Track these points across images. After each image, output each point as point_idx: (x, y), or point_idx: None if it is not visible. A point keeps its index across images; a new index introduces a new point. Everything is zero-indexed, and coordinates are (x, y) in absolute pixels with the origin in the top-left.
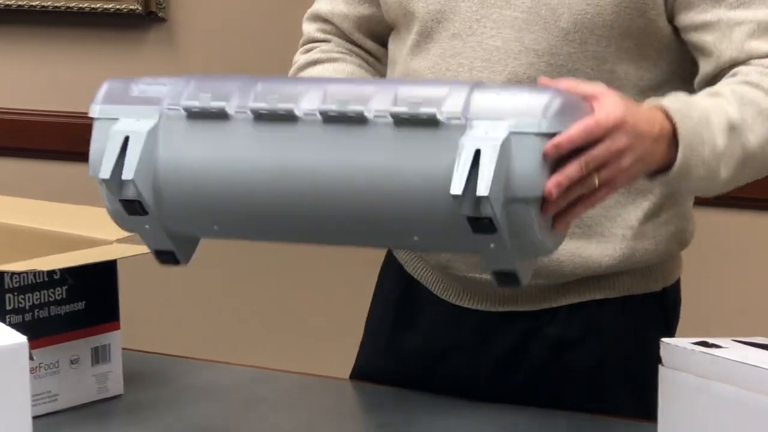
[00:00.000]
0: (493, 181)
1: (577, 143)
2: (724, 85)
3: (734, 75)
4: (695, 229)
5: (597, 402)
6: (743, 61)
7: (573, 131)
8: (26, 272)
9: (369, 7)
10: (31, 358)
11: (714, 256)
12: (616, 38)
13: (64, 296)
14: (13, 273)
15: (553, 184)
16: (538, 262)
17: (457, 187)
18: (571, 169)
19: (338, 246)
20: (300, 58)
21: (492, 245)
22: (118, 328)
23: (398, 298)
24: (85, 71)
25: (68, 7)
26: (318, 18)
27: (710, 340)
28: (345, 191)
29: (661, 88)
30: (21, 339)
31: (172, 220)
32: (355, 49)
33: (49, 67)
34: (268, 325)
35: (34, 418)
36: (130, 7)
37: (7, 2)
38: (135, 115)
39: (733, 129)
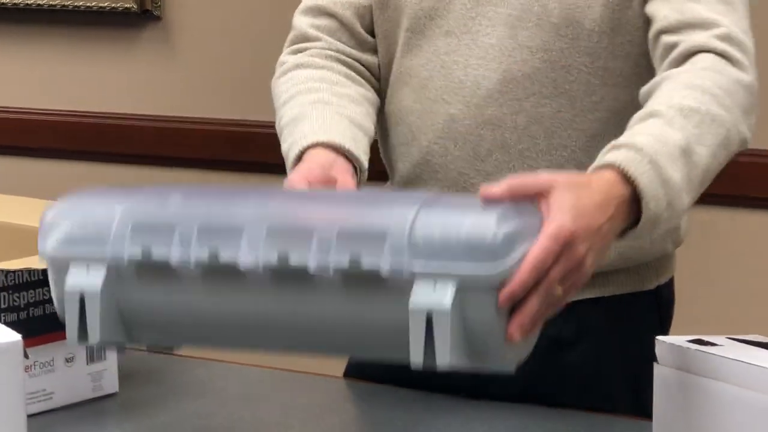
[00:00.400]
0: (451, 347)
1: (530, 285)
2: (656, 102)
3: (665, 79)
4: (689, 228)
5: (592, 400)
6: (676, 24)
7: (523, 274)
8: (21, 270)
9: None
10: (25, 356)
11: (708, 255)
12: (608, 33)
13: None
14: (8, 271)
15: (515, 327)
16: None
17: (417, 359)
18: (531, 305)
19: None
20: (288, 59)
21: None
22: None
23: None
24: (81, 69)
25: (63, 5)
26: (315, 10)
27: (705, 338)
28: (296, 339)
29: None
30: (16, 337)
31: (150, 346)
32: (346, 50)
33: (44, 65)
34: None
35: (29, 416)
36: (126, 5)
37: (2, 0)
38: (83, 262)
39: (684, 153)
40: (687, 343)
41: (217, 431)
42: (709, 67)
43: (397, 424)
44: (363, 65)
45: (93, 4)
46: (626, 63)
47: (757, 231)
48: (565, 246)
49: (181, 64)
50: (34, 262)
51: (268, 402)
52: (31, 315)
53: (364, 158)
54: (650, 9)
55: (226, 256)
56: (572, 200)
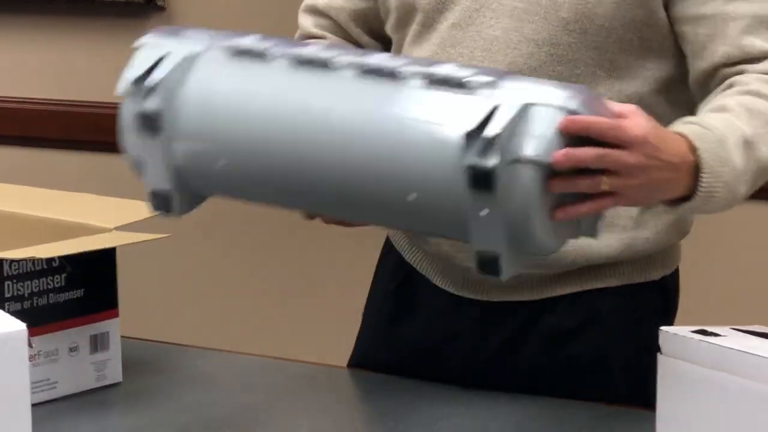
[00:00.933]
0: (503, 127)
1: (595, 131)
2: (727, 98)
3: (732, 85)
4: (694, 219)
5: (596, 390)
6: (737, 59)
7: (595, 117)
8: (25, 260)
9: (366, 1)
10: (30, 345)
11: (713, 246)
12: (617, 29)
13: (63, 284)
14: (12, 260)
15: (562, 153)
16: (527, 263)
17: (467, 126)
18: (584, 151)
19: (332, 214)
20: None
21: (485, 212)
22: (117, 315)
23: (397, 288)
24: (84, 60)
25: None
26: (314, 11)
27: (709, 329)
28: (360, 138)
29: (665, 82)
30: (20, 326)
31: (183, 149)
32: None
33: (47, 55)
34: (266, 314)
35: (33, 405)
36: None
37: None
38: (180, 44)
39: (748, 145)
40: (691, 333)
41: (220, 421)
42: None
43: (400, 413)
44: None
45: None
46: (632, 56)
47: (763, 222)
48: (633, 142)
49: None
50: (39, 252)
51: (272, 392)
52: (35, 304)
53: None
54: (700, 39)
55: (324, 53)
56: (652, 125)
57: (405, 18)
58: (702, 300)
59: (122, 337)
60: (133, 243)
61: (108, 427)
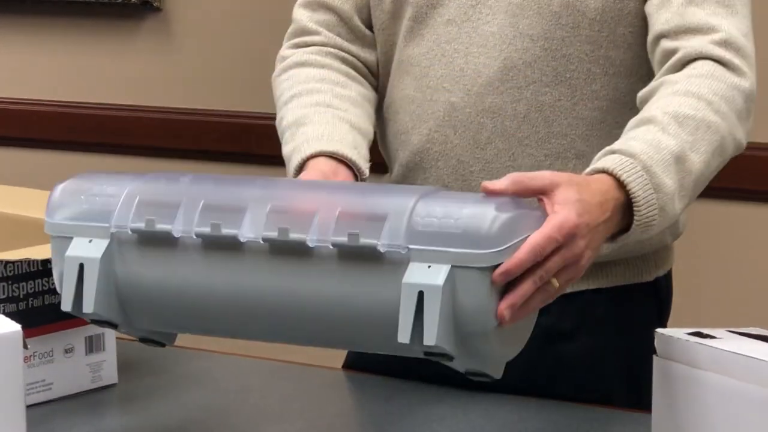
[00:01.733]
0: (439, 327)
1: (526, 266)
2: (652, 108)
3: (663, 84)
4: (688, 220)
5: (591, 392)
6: (676, 29)
7: (522, 254)
8: (20, 261)
9: None
10: (25, 346)
11: (707, 247)
12: (608, 23)
13: None
14: (7, 262)
15: (505, 306)
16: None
17: (404, 336)
18: (525, 288)
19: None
20: (288, 54)
21: (451, 363)
22: None
23: None
24: (81, 61)
25: None
26: (314, 4)
27: (705, 331)
28: (292, 316)
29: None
30: (15, 328)
31: (140, 328)
32: (344, 45)
33: (44, 56)
34: None
35: (28, 406)
36: None
37: None
38: (87, 235)
39: (678, 159)
40: (686, 335)
41: (215, 422)
42: (707, 73)
43: (394, 414)
44: (362, 62)
45: None
46: (627, 53)
47: (756, 224)
48: (567, 238)
49: (181, 55)
50: (34, 253)
51: (267, 393)
52: (30, 305)
53: (365, 165)
54: (649, 9)
55: (227, 228)
56: (576, 196)
57: (397, 12)
58: (697, 302)
59: (117, 338)
60: None
61: (103, 428)
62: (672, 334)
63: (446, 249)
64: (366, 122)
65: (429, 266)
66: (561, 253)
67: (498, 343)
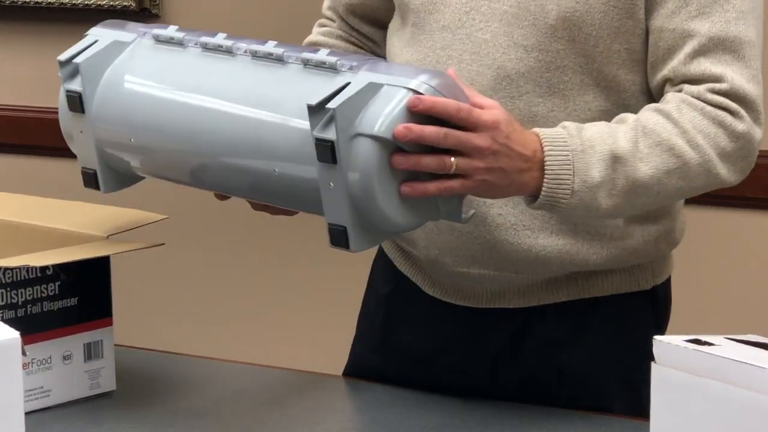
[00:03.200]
0: (345, 101)
1: (442, 112)
2: (634, 115)
3: (658, 103)
4: (686, 228)
5: (589, 400)
6: (682, 78)
7: (443, 99)
8: (19, 268)
9: None
10: (23, 353)
11: (706, 255)
12: (604, 38)
13: (57, 292)
14: (6, 268)
15: (403, 126)
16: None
17: (313, 99)
18: (429, 129)
19: (224, 191)
20: (314, 31)
21: (331, 184)
22: (110, 324)
23: (389, 294)
24: None
25: (62, 3)
26: (320, 21)
27: (703, 338)
28: (240, 114)
29: (651, 95)
30: (14, 334)
31: (101, 128)
32: (354, 33)
33: (41, 63)
34: (260, 322)
35: (27, 413)
36: (124, 3)
37: None
38: (115, 35)
39: (616, 159)
40: (685, 342)
41: (213, 429)
42: (697, 107)
43: (392, 422)
44: (370, 44)
45: (91, 1)
46: (621, 69)
47: (754, 231)
48: (483, 126)
49: None
50: (33, 260)
51: (266, 401)
52: (29, 312)
53: None
54: (656, 44)
55: (226, 42)
56: (507, 116)
57: (403, 18)
58: (695, 309)
59: (116, 345)
60: (126, 251)
61: None
62: (670, 341)
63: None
64: None
65: (366, 77)
66: (470, 134)
67: (379, 173)
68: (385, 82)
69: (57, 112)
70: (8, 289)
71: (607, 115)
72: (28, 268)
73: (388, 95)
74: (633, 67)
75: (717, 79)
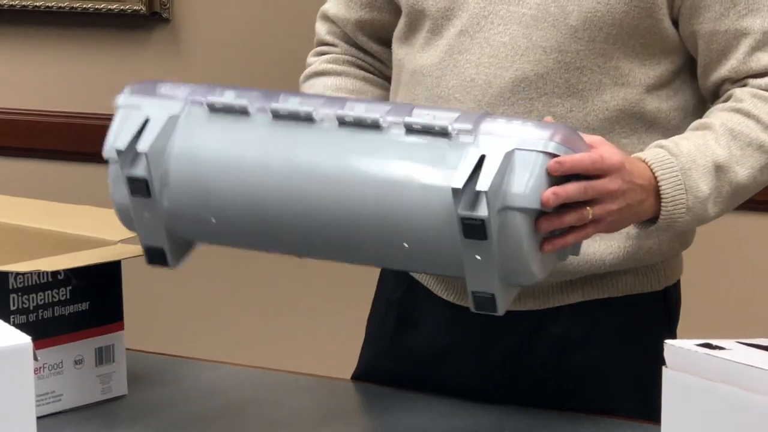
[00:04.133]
0: (493, 180)
1: (579, 168)
2: (714, 116)
3: (728, 99)
4: (697, 229)
5: (601, 403)
6: (744, 74)
7: (578, 156)
8: (30, 273)
9: (369, 12)
10: (35, 358)
11: (715, 257)
12: (623, 36)
13: (68, 297)
14: (17, 273)
15: (551, 192)
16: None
17: (458, 181)
18: (572, 188)
19: (325, 260)
20: (312, 61)
21: (478, 257)
22: (122, 328)
23: (400, 299)
24: (89, 71)
25: (72, 8)
26: (327, 19)
27: (714, 342)
28: (347, 190)
29: (665, 86)
30: (25, 339)
31: (173, 209)
32: (360, 55)
33: (52, 67)
34: (271, 326)
35: (39, 418)
36: (134, 7)
37: (11, 2)
38: (159, 106)
39: (719, 169)
40: (696, 347)
41: None
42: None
43: (403, 426)
44: (378, 65)
45: (102, 6)
46: (634, 62)
47: (760, 233)
48: (612, 169)
49: (190, 66)
50: (44, 264)
51: (276, 405)
52: (40, 317)
53: None
54: (714, 55)
55: (304, 108)
56: (621, 151)
57: (415, 24)
58: (703, 312)
59: (127, 349)
60: (137, 256)
61: None
62: (681, 345)
63: (511, 138)
64: None
65: (494, 144)
66: (603, 181)
67: (527, 242)
68: (515, 146)
69: (66, 116)
70: (19, 294)
71: (625, 114)
72: (39, 273)
73: (525, 163)
74: (645, 61)
75: None
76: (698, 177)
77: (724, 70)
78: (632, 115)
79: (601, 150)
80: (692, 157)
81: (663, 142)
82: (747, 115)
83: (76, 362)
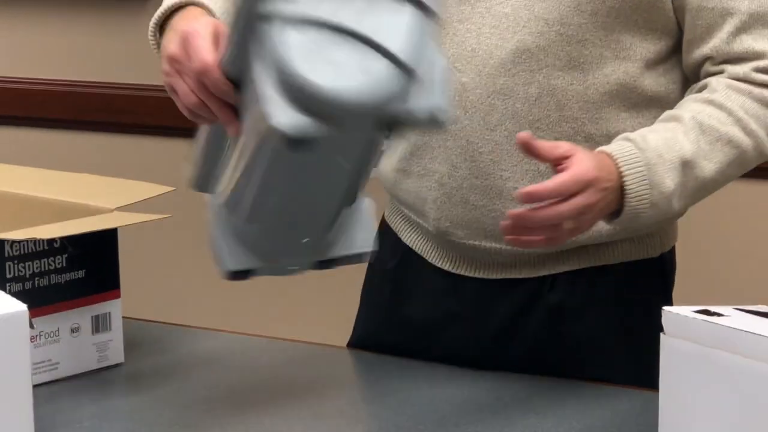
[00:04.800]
0: None
1: (551, 196)
2: (686, 107)
3: (703, 88)
4: None
5: (598, 370)
6: (724, 56)
7: (550, 185)
8: (26, 240)
9: None
10: (31, 326)
11: (710, 224)
12: (626, 10)
13: (65, 264)
14: (13, 241)
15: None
16: None
17: None
18: (551, 212)
19: None
20: None
21: None
22: (118, 296)
23: (395, 268)
24: (85, 39)
25: None
26: None
27: (712, 309)
28: None
29: (664, 62)
30: (21, 307)
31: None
32: None
33: (48, 35)
34: (267, 294)
35: (35, 386)
36: None
37: None
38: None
39: (686, 164)
40: (693, 313)
41: (221, 401)
42: (745, 90)
43: (402, 393)
44: None
45: None
46: (635, 36)
47: (758, 200)
48: (586, 185)
49: None
50: (40, 232)
51: (273, 372)
52: (36, 285)
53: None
54: (698, 31)
55: None
56: (593, 157)
57: None
58: (699, 280)
59: (124, 317)
60: (134, 223)
61: (109, 407)
62: (679, 312)
63: None
64: None
65: None
66: (577, 198)
67: None
68: None
69: (61, 84)
70: (15, 261)
71: (625, 88)
72: (35, 241)
73: None
74: (646, 36)
75: (760, 56)
76: (664, 172)
77: (707, 47)
78: (632, 89)
79: (574, 167)
80: (659, 151)
81: (631, 135)
82: (719, 107)
83: (72, 330)
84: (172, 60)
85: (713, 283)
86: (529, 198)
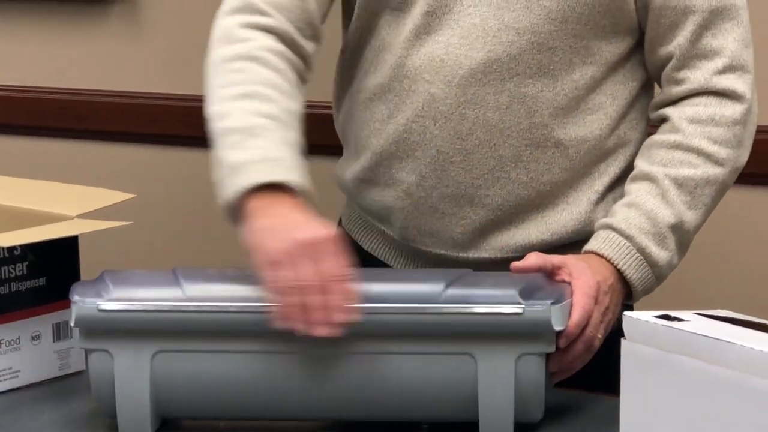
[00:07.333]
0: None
1: (582, 325)
2: (654, 156)
3: (665, 121)
4: None
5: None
6: (687, 55)
7: (576, 318)
8: None
9: None
10: None
11: None
12: (595, 17)
13: (25, 272)
14: None
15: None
16: (501, 241)
17: None
18: (578, 348)
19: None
20: (235, 32)
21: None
22: None
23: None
24: (48, 45)
25: None
26: (251, 9)
27: (672, 314)
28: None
29: (627, 61)
30: None
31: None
32: (295, 36)
33: (9, 40)
34: None
35: None
36: None
37: None
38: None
39: (674, 227)
40: (654, 318)
41: None
42: (708, 118)
43: None
44: (305, 58)
45: None
46: (602, 41)
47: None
48: (596, 293)
49: (150, 39)
50: (0, 240)
51: None
52: None
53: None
54: (662, 30)
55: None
56: (587, 264)
57: (373, 5)
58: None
59: None
60: (95, 231)
61: (71, 415)
62: (640, 316)
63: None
64: (299, 138)
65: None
66: (597, 308)
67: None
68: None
69: (21, 90)
70: None
71: (592, 92)
72: None
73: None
74: (612, 39)
75: (717, 53)
76: (657, 247)
77: (672, 46)
78: (596, 91)
79: (579, 283)
80: (645, 230)
81: (612, 222)
82: (687, 149)
83: (33, 338)
84: (300, 285)
85: (675, 287)
86: (567, 342)
